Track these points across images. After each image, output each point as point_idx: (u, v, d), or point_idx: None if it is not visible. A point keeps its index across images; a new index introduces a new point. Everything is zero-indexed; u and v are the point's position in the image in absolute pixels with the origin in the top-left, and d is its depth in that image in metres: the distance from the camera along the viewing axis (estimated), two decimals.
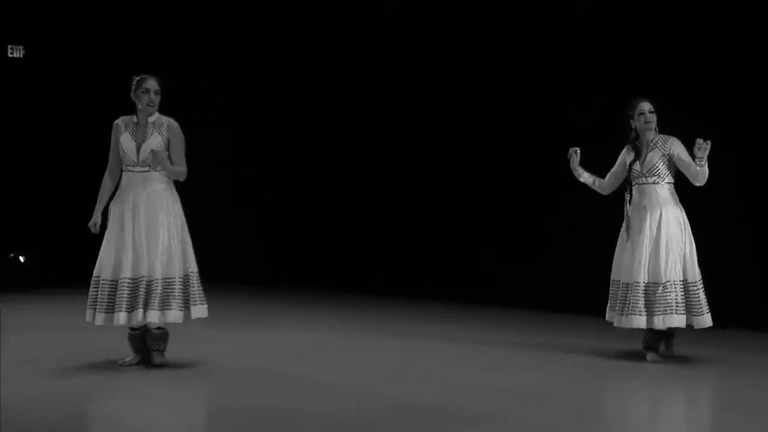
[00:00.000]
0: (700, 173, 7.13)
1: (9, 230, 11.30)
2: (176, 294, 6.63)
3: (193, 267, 6.78)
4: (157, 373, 6.64)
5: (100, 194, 6.85)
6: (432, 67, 10.77)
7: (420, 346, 7.94)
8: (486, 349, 7.87)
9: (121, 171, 6.82)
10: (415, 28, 10.86)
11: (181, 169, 6.76)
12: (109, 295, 6.59)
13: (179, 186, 6.87)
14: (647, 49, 9.35)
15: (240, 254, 11.84)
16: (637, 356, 7.43)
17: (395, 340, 8.23)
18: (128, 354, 6.87)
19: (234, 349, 7.54)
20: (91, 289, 6.70)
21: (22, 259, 10.99)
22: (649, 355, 7.29)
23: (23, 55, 11.40)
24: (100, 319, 6.62)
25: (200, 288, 6.79)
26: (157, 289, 6.57)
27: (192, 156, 6.95)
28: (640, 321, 7.13)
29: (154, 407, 5.89)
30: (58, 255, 11.34)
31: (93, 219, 6.78)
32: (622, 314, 7.21)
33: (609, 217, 7.90)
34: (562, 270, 9.95)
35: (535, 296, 10.07)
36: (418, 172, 10.94)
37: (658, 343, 7.32)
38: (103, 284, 6.63)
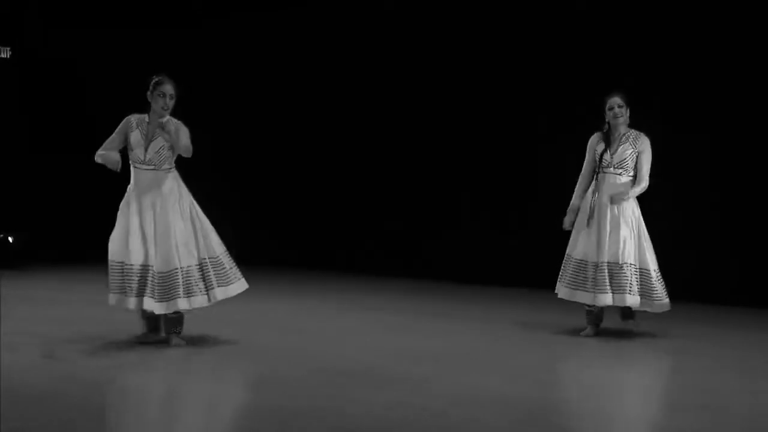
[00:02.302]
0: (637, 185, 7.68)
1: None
2: (196, 280, 6.89)
3: (214, 252, 7.03)
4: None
5: (102, 160, 6.88)
6: (411, 61, 11.25)
7: (374, 319, 8.68)
8: (430, 320, 8.62)
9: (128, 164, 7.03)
10: (407, 22, 11.31)
11: (186, 142, 6.88)
12: (123, 278, 6.84)
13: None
14: (644, 48, 9.88)
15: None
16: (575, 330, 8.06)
17: (350, 312, 9.03)
18: (138, 330, 7.18)
19: (213, 323, 8.08)
20: (113, 274, 6.90)
21: (10, 239, 11.47)
22: (628, 324, 7.86)
23: (9, 55, 11.74)
24: (123, 301, 6.89)
25: (222, 271, 7.06)
26: (178, 279, 6.81)
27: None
28: (606, 299, 7.62)
29: (141, 373, 6.52)
30: (45, 237, 11.84)
31: (113, 161, 6.83)
32: (576, 290, 7.68)
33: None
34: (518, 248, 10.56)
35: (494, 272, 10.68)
36: (385, 156, 11.49)
37: (630, 312, 7.80)
38: (116, 267, 6.87)
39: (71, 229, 11.62)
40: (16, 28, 11.94)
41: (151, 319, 7.10)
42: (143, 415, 5.56)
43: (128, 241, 6.85)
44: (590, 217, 7.66)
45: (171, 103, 6.92)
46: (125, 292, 6.84)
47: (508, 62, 10.68)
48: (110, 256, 6.92)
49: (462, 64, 10.99)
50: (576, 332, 7.98)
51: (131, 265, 6.83)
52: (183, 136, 6.92)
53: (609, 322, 8.02)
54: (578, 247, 7.73)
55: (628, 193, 7.60)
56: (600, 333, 7.86)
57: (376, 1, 11.50)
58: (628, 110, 7.70)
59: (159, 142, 6.89)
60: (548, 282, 10.10)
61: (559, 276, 7.86)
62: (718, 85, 9.57)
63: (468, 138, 10.99)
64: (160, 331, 7.16)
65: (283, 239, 12.03)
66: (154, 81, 6.93)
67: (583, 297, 7.69)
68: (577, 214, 7.83)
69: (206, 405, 5.73)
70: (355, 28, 11.58)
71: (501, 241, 10.71)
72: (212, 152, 12.25)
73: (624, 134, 7.69)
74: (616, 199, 7.60)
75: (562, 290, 7.83)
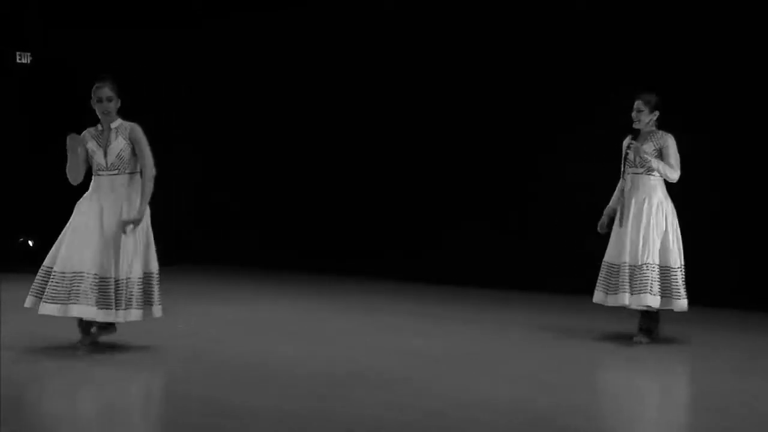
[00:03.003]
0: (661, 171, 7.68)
1: (19, 217, 11.79)
2: (137, 293, 6.84)
3: (154, 268, 7.01)
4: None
5: (70, 166, 6.96)
6: (414, 57, 11.16)
7: (374, 320, 8.71)
8: (431, 321, 8.63)
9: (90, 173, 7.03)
10: (407, 22, 11.24)
11: (147, 182, 6.93)
12: (66, 286, 6.72)
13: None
14: (643, 48, 9.83)
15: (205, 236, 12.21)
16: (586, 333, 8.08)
17: (355, 315, 9.00)
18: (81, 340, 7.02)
19: (212, 325, 8.12)
20: (39, 278, 6.86)
21: (31, 243, 11.50)
22: (638, 337, 7.76)
23: (30, 61, 11.81)
24: (50, 309, 6.73)
25: (158, 289, 7.00)
26: (123, 290, 6.77)
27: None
28: (623, 299, 7.58)
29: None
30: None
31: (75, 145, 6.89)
32: (607, 293, 7.69)
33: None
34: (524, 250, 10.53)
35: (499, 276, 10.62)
36: (384, 157, 11.41)
37: (652, 325, 7.77)
38: (55, 275, 6.78)
39: None
40: (16, 28, 11.95)
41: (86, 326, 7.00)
42: (146, 414, 5.57)
43: (86, 251, 6.78)
44: (621, 218, 7.73)
45: (110, 105, 6.96)
46: (79, 302, 6.69)
47: (508, 63, 10.65)
48: (56, 267, 6.79)
49: (462, 65, 10.96)
50: (580, 334, 7.99)
51: (81, 272, 6.73)
52: (140, 147, 6.94)
53: (622, 326, 8.03)
54: (609, 249, 7.78)
55: (651, 159, 7.62)
56: (619, 336, 7.87)
57: (376, 1, 11.50)
58: (656, 113, 7.73)
59: (117, 146, 6.95)
60: (551, 284, 10.19)
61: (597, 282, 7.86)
62: (718, 85, 9.55)
63: (467, 139, 10.97)
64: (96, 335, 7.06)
65: (283, 241, 12.01)
66: (93, 88, 7.00)
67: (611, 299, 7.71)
68: (609, 217, 7.87)
69: (208, 406, 5.74)
70: (356, 28, 11.57)
71: (502, 242, 10.68)
72: (208, 152, 12.31)
73: (649, 133, 7.76)
74: (637, 150, 7.64)
75: (595, 294, 7.83)
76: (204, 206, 12.20)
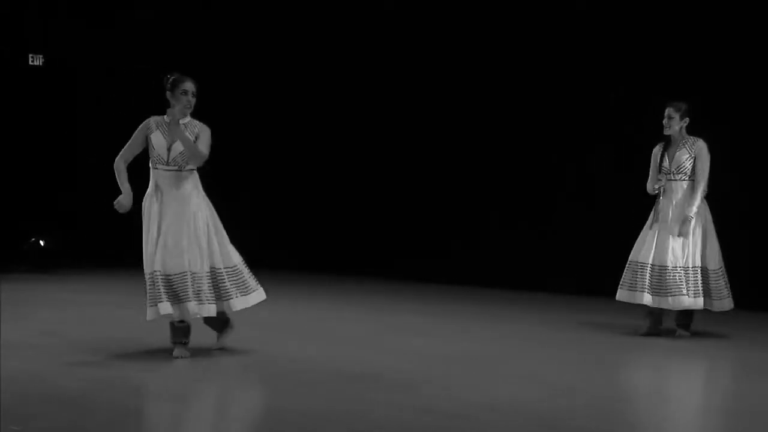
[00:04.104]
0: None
1: (31, 217, 11.82)
2: (208, 287, 6.67)
3: (230, 261, 6.89)
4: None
5: (118, 176, 6.75)
6: (421, 56, 11.26)
7: (375, 320, 8.76)
8: (432, 321, 8.69)
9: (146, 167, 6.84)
10: (409, 21, 11.34)
11: (200, 149, 6.70)
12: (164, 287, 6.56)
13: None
14: (646, 48, 9.94)
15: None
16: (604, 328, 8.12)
17: (368, 315, 9.04)
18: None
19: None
20: (150, 285, 6.62)
21: (42, 242, 11.56)
22: (679, 332, 7.96)
23: (42, 63, 11.99)
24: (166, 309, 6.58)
25: (240, 280, 6.89)
26: (187, 282, 6.58)
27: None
28: (664, 302, 7.78)
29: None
30: (73, 239, 11.90)
31: (118, 199, 6.68)
32: (643, 292, 7.84)
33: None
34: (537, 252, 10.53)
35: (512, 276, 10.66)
36: (392, 158, 11.51)
37: (689, 320, 7.96)
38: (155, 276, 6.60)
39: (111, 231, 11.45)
40: (16, 28, 11.97)
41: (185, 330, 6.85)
42: (164, 418, 5.59)
43: (155, 253, 6.62)
44: (653, 221, 7.90)
45: (193, 101, 6.76)
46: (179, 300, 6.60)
47: (522, 68, 10.62)
48: (151, 268, 6.66)
49: (468, 68, 10.95)
50: (583, 334, 8.05)
51: (158, 271, 6.58)
52: (202, 141, 6.76)
53: (622, 325, 8.03)
54: (646, 251, 7.89)
55: (689, 221, 7.75)
56: (661, 334, 7.97)
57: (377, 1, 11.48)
58: (686, 119, 7.87)
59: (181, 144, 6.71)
60: (551, 284, 10.19)
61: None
62: (717, 85, 9.53)
63: (467, 136, 10.99)
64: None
65: (283, 241, 12.02)
66: (172, 79, 6.74)
67: (637, 297, 7.89)
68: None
69: (223, 408, 5.75)
70: (357, 27, 11.56)
71: (503, 242, 10.69)
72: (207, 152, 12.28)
73: (682, 141, 7.91)
74: (683, 232, 7.79)
75: (620, 293, 7.99)
76: None
